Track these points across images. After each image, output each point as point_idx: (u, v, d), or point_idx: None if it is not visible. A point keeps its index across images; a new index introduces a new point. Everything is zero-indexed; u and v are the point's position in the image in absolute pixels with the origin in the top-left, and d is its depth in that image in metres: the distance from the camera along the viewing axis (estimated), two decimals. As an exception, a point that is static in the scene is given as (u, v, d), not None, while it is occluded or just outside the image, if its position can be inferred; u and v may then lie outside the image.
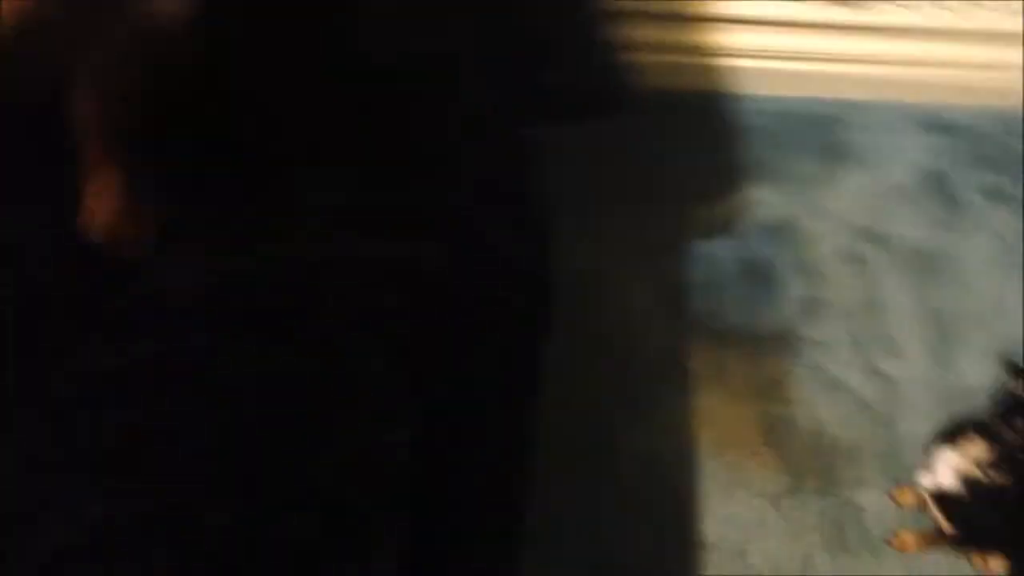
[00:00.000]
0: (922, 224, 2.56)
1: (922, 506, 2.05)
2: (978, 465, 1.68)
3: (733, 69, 2.69)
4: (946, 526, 1.94)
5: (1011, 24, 2.53)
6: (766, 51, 2.65)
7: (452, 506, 1.25)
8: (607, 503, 2.17)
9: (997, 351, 1.87)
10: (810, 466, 2.22)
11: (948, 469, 1.80)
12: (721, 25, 2.60)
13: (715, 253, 2.49)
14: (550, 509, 2.02)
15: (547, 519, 2.00)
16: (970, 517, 1.85)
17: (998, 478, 1.66)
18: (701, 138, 2.67)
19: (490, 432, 1.33)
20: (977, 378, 2.26)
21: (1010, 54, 2.57)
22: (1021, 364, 1.75)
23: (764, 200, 2.57)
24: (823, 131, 2.69)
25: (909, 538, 2.11)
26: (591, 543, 2.12)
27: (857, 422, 2.28)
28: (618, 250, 2.47)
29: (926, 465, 1.84)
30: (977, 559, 2.10)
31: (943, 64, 2.64)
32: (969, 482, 1.77)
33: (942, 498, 1.86)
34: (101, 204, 1.04)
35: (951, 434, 1.72)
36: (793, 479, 2.21)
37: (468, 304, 1.31)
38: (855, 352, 2.37)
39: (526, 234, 1.48)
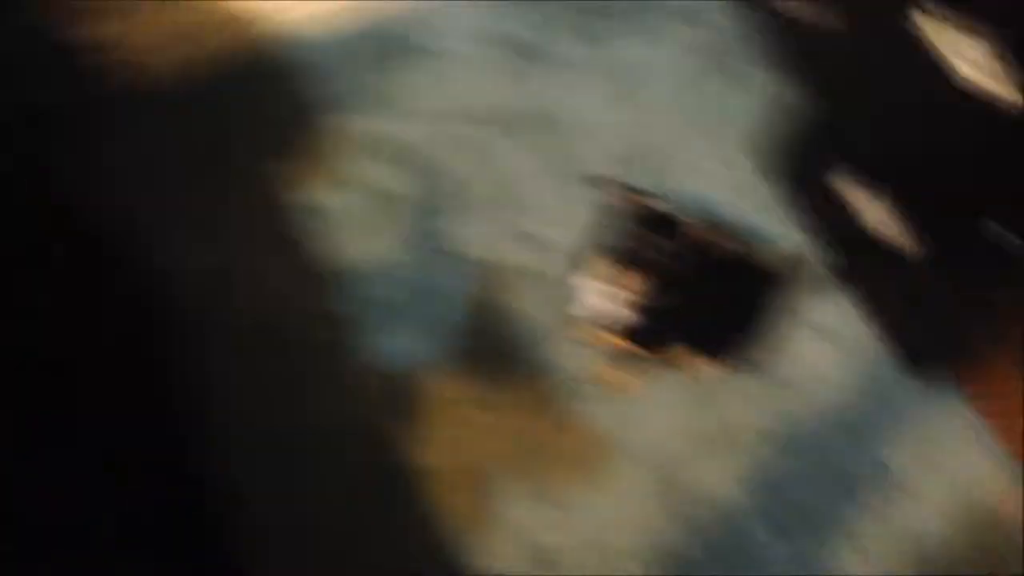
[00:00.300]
0: (522, 88, 2.56)
1: (617, 345, 2.08)
2: (644, 294, 1.68)
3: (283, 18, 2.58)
4: (645, 353, 1.98)
5: None
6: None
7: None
8: (325, 467, 2.08)
9: (624, 182, 1.87)
10: (506, 347, 2.21)
11: (619, 305, 1.81)
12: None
13: (337, 205, 2.40)
14: (273, 490, 1.99)
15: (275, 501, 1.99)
16: (660, 338, 1.90)
17: (667, 297, 1.66)
18: (279, 100, 2.55)
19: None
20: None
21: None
22: (637, 186, 1.76)
23: (365, 130, 2.50)
24: (389, 42, 2.63)
25: (622, 378, 2.14)
26: (313, 506, 2.05)
27: (535, 292, 2.28)
28: (246, 241, 2.35)
29: (600, 307, 1.84)
30: (688, 367, 2.17)
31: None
32: (644, 310, 1.81)
33: (629, 331, 1.89)
34: None
35: (607, 270, 1.71)
36: (490, 367, 2.19)
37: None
38: (508, 232, 2.37)
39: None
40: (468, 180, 2.42)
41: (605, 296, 1.82)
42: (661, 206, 1.83)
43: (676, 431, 2.14)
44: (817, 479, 2.11)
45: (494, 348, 2.22)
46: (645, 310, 1.80)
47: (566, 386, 2.16)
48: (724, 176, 2.44)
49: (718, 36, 2.62)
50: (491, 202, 2.38)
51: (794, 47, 2.36)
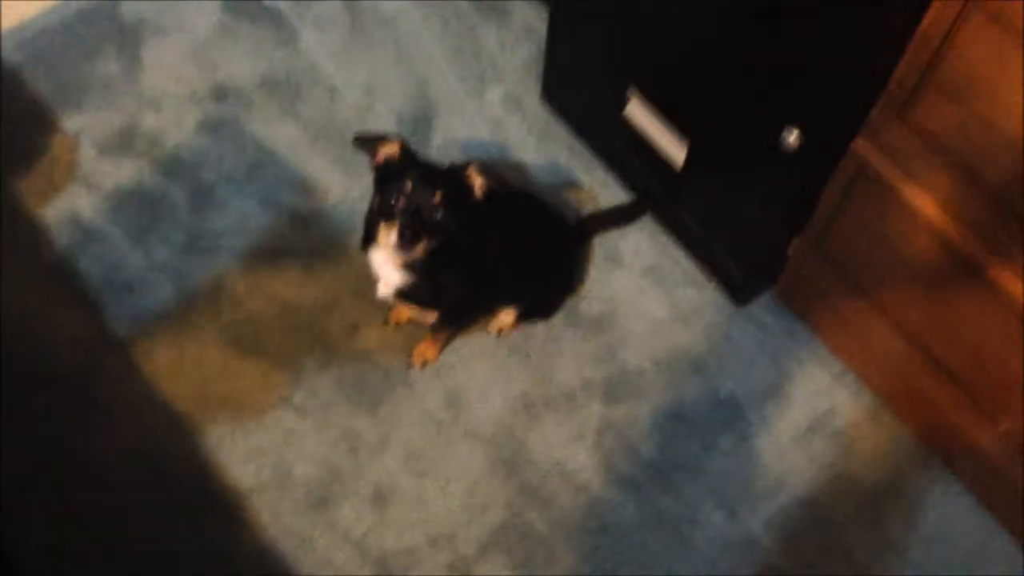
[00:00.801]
0: (269, 56, 2.32)
1: (413, 315, 1.92)
2: (398, 248, 1.54)
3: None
4: (430, 315, 1.82)
5: None
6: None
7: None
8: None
9: (394, 137, 1.67)
10: (306, 344, 2.00)
11: (388, 268, 1.66)
12: None
13: (89, 213, 2.10)
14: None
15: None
16: (435, 290, 1.73)
17: (416, 242, 1.53)
18: (9, 110, 2.21)
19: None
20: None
21: None
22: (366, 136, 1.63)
23: (108, 125, 2.20)
24: (100, 26, 2.32)
25: (423, 349, 1.97)
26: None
27: (329, 279, 2.06)
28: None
29: (393, 279, 1.69)
30: (492, 324, 2.01)
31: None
32: (407, 266, 1.64)
33: (406, 294, 1.72)
34: None
35: (390, 237, 1.55)
36: (296, 367, 1.97)
37: None
38: (280, 214, 2.13)
39: None
40: (214, 167, 2.17)
41: (395, 266, 1.65)
42: (436, 161, 1.67)
43: (507, 402, 1.97)
44: (660, 425, 1.95)
45: (305, 341, 2.00)
46: (408, 267, 1.64)
47: (379, 371, 1.97)
48: (503, 118, 2.26)
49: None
50: (253, 181, 2.12)
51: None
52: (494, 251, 1.76)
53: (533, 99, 2.29)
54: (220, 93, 2.24)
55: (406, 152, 1.58)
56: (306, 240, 2.08)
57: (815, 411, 1.98)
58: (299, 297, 2.02)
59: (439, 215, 1.53)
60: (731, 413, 1.97)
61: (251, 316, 2.00)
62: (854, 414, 1.98)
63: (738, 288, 2.06)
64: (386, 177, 1.56)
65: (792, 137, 1.61)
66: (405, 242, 1.51)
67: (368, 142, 1.60)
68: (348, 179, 2.15)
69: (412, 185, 1.52)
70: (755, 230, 1.93)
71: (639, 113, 1.99)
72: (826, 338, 2.03)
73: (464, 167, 1.59)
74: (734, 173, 1.88)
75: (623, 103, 2.00)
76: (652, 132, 1.97)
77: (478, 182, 1.59)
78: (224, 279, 2.03)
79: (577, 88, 2.17)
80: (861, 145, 1.62)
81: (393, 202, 1.52)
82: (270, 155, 2.17)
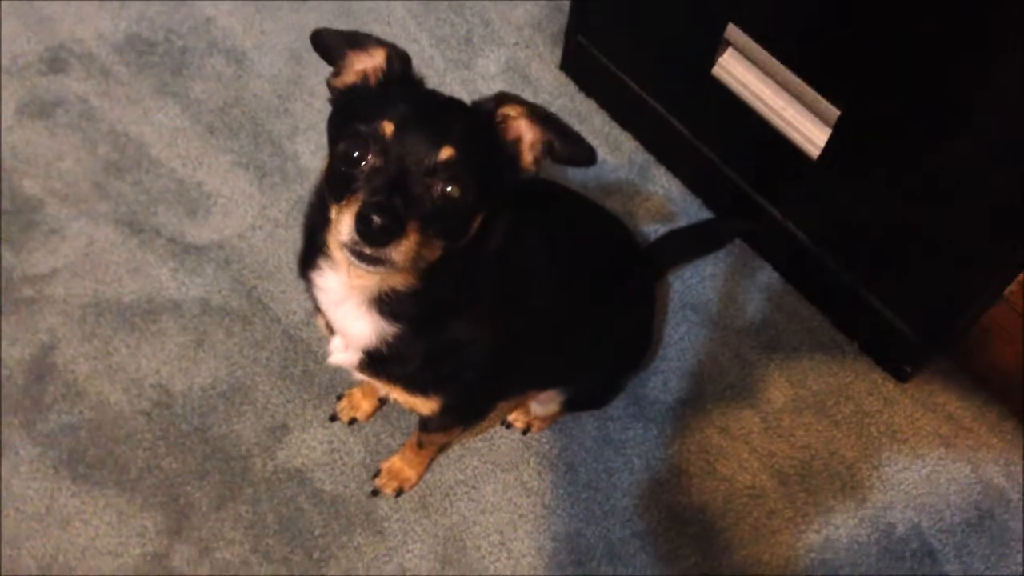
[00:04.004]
0: (118, 9, 1.63)
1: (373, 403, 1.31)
2: (355, 248, 0.84)
3: None
4: (422, 404, 1.06)
5: None
6: None
7: None
8: None
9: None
10: (195, 463, 1.30)
11: (349, 310, 0.97)
12: None
13: None
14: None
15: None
16: (438, 355, 1.00)
17: (392, 236, 0.82)
18: None
19: None
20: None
21: None
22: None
23: None
24: None
25: (398, 465, 1.28)
26: None
27: (210, 350, 1.38)
28: None
29: (328, 332, 1.04)
30: (515, 415, 1.34)
31: None
32: (388, 308, 0.95)
33: (381, 362, 0.99)
34: None
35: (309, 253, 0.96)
36: (175, 504, 1.28)
37: None
38: (151, 245, 1.44)
39: None
40: (62, 165, 1.51)
41: (362, 306, 0.94)
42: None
43: (546, 551, 1.29)
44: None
45: (178, 466, 1.31)
46: (436, 319, 0.96)
47: (334, 516, 1.31)
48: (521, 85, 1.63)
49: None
50: (108, 195, 1.50)
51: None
52: (545, 284, 1.01)
53: (548, 68, 1.68)
54: (58, 61, 1.59)
55: (399, 65, 0.89)
56: (195, 288, 1.37)
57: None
58: (183, 381, 1.36)
59: (447, 188, 0.80)
60: (914, 564, 1.28)
61: (98, 416, 1.32)
62: None
63: (905, 356, 1.37)
64: (354, 113, 0.83)
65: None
66: (369, 235, 0.77)
67: (335, 42, 0.89)
68: (263, 190, 1.48)
69: (398, 126, 0.79)
70: (958, 254, 1.23)
71: (738, 70, 1.33)
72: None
73: (498, 100, 0.86)
74: (940, 144, 1.15)
75: (710, 55, 1.34)
76: (765, 99, 1.31)
77: (530, 136, 0.87)
78: (52, 352, 1.36)
79: (623, 43, 1.51)
80: None
81: (357, 158, 0.80)
82: (137, 154, 1.54)
